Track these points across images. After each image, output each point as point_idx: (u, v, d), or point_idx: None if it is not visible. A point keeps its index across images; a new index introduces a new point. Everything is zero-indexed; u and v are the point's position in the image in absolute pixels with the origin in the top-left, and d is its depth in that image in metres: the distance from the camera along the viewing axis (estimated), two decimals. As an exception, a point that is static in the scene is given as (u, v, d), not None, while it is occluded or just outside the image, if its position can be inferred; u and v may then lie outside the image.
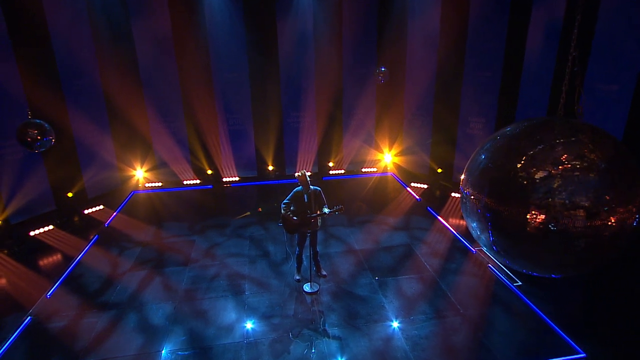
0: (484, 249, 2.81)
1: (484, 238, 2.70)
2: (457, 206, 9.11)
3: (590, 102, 7.06)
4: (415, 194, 9.88)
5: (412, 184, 10.41)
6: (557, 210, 2.35)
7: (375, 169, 11.56)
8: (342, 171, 11.45)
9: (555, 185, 2.35)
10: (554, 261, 2.53)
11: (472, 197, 2.65)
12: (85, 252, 7.37)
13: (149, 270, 6.78)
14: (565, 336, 5.09)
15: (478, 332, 5.24)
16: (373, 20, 10.52)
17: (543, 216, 2.38)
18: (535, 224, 2.41)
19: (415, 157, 10.96)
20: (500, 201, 2.49)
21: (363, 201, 9.59)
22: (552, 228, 2.38)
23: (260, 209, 8.50)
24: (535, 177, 2.40)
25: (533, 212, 2.40)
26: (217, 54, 10.18)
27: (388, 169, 11.54)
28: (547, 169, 2.38)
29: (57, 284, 6.38)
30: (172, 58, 9.97)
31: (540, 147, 2.43)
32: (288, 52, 10.39)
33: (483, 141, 2.86)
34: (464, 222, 8.30)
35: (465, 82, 9.61)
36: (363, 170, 11.55)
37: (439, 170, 10.49)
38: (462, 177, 2.83)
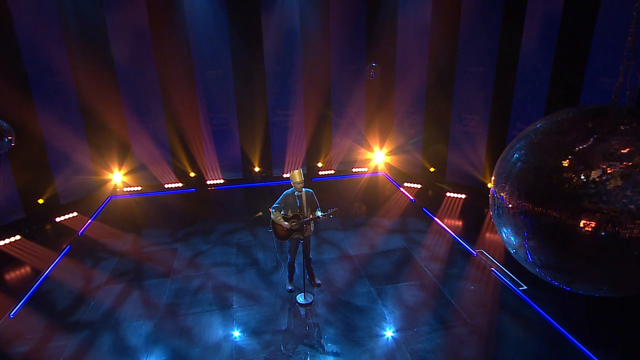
0: (520, 262, 2.38)
1: (520, 249, 2.28)
2: (453, 206, 8.77)
3: (592, 95, 6.82)
4: (409, 195, 9.50)
5: (405, 184, 10.04)
6: (613, 216, 1.94)
7: (366, 169, 11.16)
8: (332, 172, 11.02)
9: (612, 185, 1.94)
10: (606, 278, 2.12)
11: (507, 201, 2.22)
12: (55, 265, 6.72)
13: (126, 284, 6.20)
14: (581, 345, 4.74)
15: (488, 343, 4.85)
16: (362, 15, 10.14)
17: (595, 223, 1.97)
18: (585, 232, 2.00)
19: (407, 156, 10.61)
20: (542, 206, 2.07)
21: (356, 203, 9.16)
22: (606, 237, 1.97)
23: (260, 213, 7.95)
24: (586, 176, 1.98)
25: (583, 218, 1.99)
26: (198, 49, 9.62)
27: (379, 168, 11.15)
28: (601, 166, 1.97)
29: (21, 302, 5.73)
30: (150, 54, 9.38)
31: (592, 140, 2.02)
32: (274, 48, 9.92)
33: (515, 139, 2.45)
34: (461, 224, 7.98)
35: (458, 78, 9.31)
36: (353, 170, 11.14)
37: (432, 170, 10.17)
38: (492, 178, 2.40)
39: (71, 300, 5.80)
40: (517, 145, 2.34)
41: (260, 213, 7.97)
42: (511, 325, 5.18)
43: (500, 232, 2.38)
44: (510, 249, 2.41)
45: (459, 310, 5.42)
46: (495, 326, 5.14)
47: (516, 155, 2.30)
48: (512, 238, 2.29)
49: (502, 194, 2.26)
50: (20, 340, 5.03)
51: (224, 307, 5.62)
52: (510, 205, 2.21)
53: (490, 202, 2.44)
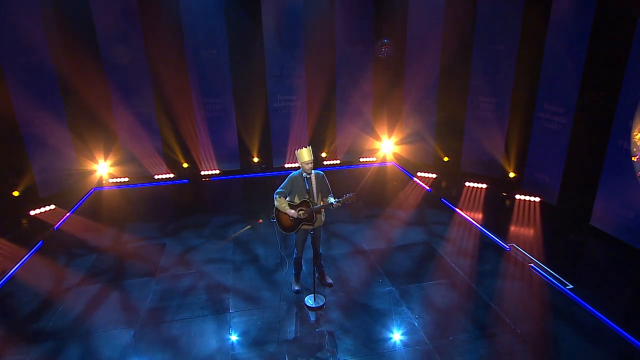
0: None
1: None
2: (474, 197, 7.90)
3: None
4: (424, 185, 8.63)
5: (419, 174, 9.17)
6: None
7: (374, 159, 10.30)
8: (337, 162, 10.15)
9: None
10: None
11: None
12: (22, 263, 5.80)
13: (103, 284, 5.29)
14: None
15: (544, 356, 3.97)
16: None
17: None
18: None
19: (418, 144, 9.75)
20: None
21: (365, 194, 8.28)
22: None
23: (260, 221, 7.03)
24: None
25: None
26: (191, 27, 8.73)
27: (387, 158, 10.28)
28: None
29: (-25, 308, 4.84)
30: (137, 30, 8.48)
31: None
32: (275, 26, 9.04)
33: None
34: (485, 215, 7.06)
35: (475, 57, 8.48)
36: (361, 160, 10.27)
37: (446, 159, 9.31)
38: (636, 136, 1.54)
39: (36, 305, 4.88)
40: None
41: (261, 220, 7.03)
42: (567, 332, 4.28)
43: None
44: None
45: (500, 314, 4.54)
46: (548, 334, 4.25)
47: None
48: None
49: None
50: (-34, 354, 4.13)
51: (218, 311, 4.73)
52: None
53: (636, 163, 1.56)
